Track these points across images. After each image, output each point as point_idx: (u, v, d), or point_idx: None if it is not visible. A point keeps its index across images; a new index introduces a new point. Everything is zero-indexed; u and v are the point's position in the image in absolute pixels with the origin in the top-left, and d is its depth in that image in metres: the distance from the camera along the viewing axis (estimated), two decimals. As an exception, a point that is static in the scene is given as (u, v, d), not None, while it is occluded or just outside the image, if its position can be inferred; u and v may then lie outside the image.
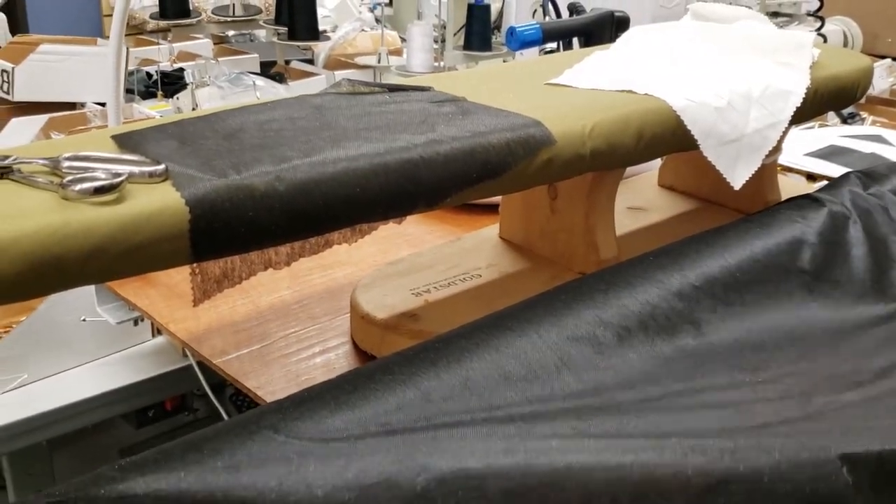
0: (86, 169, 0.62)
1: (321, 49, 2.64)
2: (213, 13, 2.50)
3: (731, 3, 1.63)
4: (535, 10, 2.21)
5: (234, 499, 0.53)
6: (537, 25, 1.44)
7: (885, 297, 0.91)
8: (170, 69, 2.31)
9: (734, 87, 0.97)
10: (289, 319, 0.98)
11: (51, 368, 1.17)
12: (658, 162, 1.29)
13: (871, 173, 1.05)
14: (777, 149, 1.06)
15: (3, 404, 1.11)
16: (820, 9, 2.45)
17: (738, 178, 0.96)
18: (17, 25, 3.56)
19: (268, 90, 2.00)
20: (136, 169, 0.63)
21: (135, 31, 2.86)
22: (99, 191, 0.59)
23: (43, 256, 0.56)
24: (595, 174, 0.93)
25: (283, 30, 2.40)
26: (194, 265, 0.84)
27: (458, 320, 0.77)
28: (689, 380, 0.77)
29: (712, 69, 1.02)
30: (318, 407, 0.63)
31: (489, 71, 1.23)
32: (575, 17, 1.67)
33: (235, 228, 0.63)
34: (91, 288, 1.12)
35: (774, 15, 2.44)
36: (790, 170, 1.61)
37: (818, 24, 2.41)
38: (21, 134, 1.87)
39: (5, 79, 2.01)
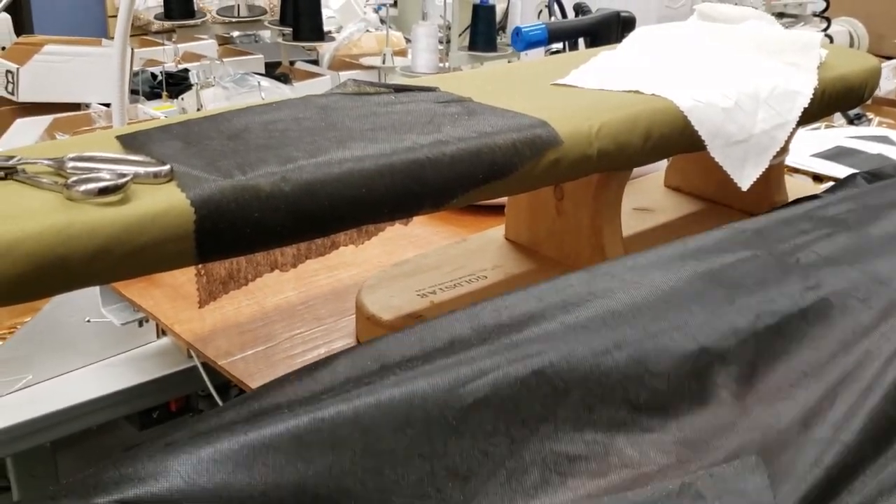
0: (90, 169, 0.62)
1: (326, 50, 2.63)
2: (217, 14, 2.50)
3: (736, 4, 1.62)
4: (541, 11, 2.20)
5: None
6: (543, 26, 1.44)
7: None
8: (174, 70, 2.31)
9: (741, 87, 0.96)
10: (294, 320, 0.97)
11: (55, 369, 1.16)
12: (664, 163, 1.28)
13: (877, 174, 1.04)
14: (784, 149, 1.05)
15: (8, 405, 1.10)
16: (826, 9, 2.44)
17: (745, 179, 0.96)
18: (22, 26, 3.56)
19: (273, 91, 2.00)
20: (140, 169, 0.62)
21: (139, 31, 2.85)
22: (103, 191, 0.59)
23: (47, 257, 0.55)
24: (601, 175, 0.93)
25: (288, 30, 2.39)
26: (200, 266, 0.84)
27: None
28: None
29: (719, 70, 1.01)
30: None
31: (495, 71, 1.22)
32: (581, 17, 1.67)
33: (241, 229, 0.63)
34: (96, 289, 1.12)
35: (780, 16, 2.43)
36: (796, 170, 1.60)
37: (824, 25, 2.40)
38: (26, 134, 1.87)
39: (10, 79, 2.00)
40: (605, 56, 1.09)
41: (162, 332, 1.23)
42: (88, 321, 1.17)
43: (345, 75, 2.38)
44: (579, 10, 1.71)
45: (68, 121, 1.90)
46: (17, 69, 1.99)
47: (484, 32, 2.26)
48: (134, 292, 1.03)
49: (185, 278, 1.03)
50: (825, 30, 2.35)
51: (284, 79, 2.27)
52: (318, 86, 2.30)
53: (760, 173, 0.97)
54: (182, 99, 2.00)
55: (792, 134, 1.01)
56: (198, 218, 0.60)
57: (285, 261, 0.88)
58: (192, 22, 2.35)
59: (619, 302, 0.72)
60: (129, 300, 1.04)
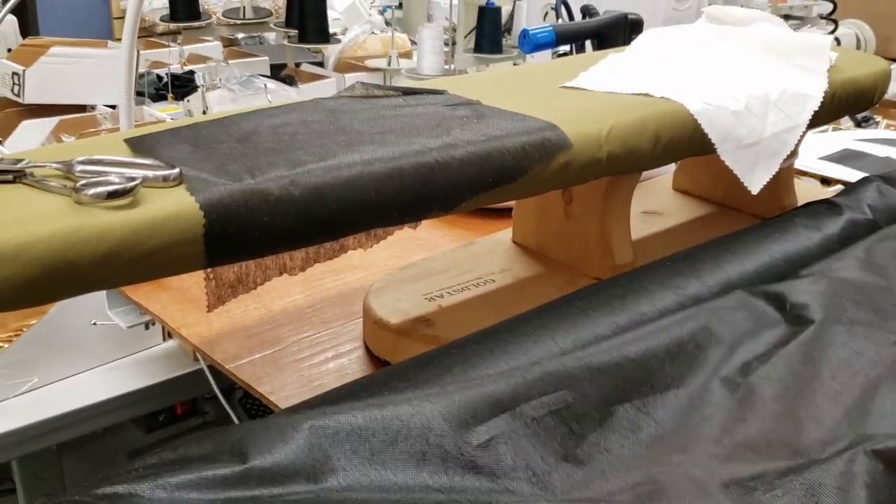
0: (99, 173, 0.61)
1: (331, 52, 2.63)
2: (223, 16, 2.50)
3: (742, 7, 1.62)
4: (546, 13, 2.20)
5: None
6: (550, 28, 1.43)
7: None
8: (180, 72, 2.31)
9: (751, 90, 0.96)
10: (301, 324, 0.97)
11: (61, 372, 1.16)
12: (672, 165, 1.28)
13: (889, 177, 1.04)
14: (794, 153, 1.05)
15: (14, 408, 1.10)
16: (833, 12, 2.43)
17: (755, 182, 0.95)
18: (28, 27, 3.56)
19: (279, 93, 1.99)
20: (149, 173, 0.62)
21: (144, 33, 2.85)
22: (112, 195, 0.58)
23: (57, 261, 0.55)
24: (611, 178, 0.92)
25: (294, 32, 2.39)
26: (208, 270, 0.84)
27: (472, 326, 0.77)
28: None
29: (729, 72, 1.01)
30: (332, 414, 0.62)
31: (503, 74, 1.22)
32: (588, 19, 1.67)
33: (250, 233, 0.62)
34: (102, 292, 1.12)
35: (785, 18, 2.43)
36: (804, 173, 1.60)
37: (831, 28, 2.40)
38: (32, 136, 1.87)
39: (16, 81, 2.00)
40: (614, 58, 1.08)
41: (168, 335, 1.23)
42: (94, 324, 1.17)
43: (350, 77, 2.38)
44: (587, 12, 1.70)
45: (74, 122, 1.90)
46: (24, 71, 1.99)
47: (489, 34, 2.26)
48: (140, 295, 1.03)
49: (191, 281, 1.02)
50: (832, 32, 2.35)
51: (290, 81, 2.26)
52: (324, 88, 2.30)
53: (770, 177, 0.96)
54: (188, 101, 2.00)
55: (801, 137, 1.01)
56: (207, 222, 0.60)
57: (294, 264, 0.88)
58: (197, 24, 2.36)
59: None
60: (135, 303, 1.04)
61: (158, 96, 2.19)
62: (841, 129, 1.97)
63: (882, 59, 1.20)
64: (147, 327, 1.18)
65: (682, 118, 0.89)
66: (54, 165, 0.63)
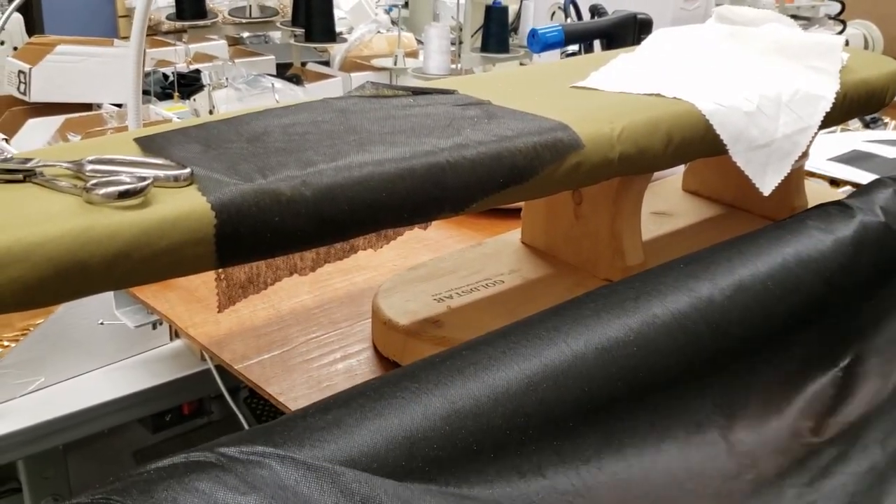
0: (110, 172, 0.61)
1: (337, 51, 2.63)
2: (229, 14, 2.49)
3: (750, 7, 1.61)
4: (553, 12, 2.19)
5: None
6: (559, 27, 1.43)
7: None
8: (186, 70, 2.30)
9: (763, 91, 0.95)
10: (310, 324, 0.97)
11: (68, 372, 1.16)
12: (682, 166, 1.27)
13: (900, 179, 1.03)
14: (805, 154, 1.04)
15: (20, 408, 1.10)
16: (841, 12, 2.43)
17: (767, 184, 0.94)
18: (33, 26, 3.56)
19: (286, 92, 1.99)
20: (160, 173, 0.61)
21: (150, 31, 2.84)
22: (124, 195, 0.58)
23: (67, 261, 0.55)
24: (622, 179, 0.92)
25: (300, 31, 2.39)
26: (219, 271, 0.83)
27: (482, 327, 0.76)
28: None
29: (740, 73, 1.00)
30: (343, 416, 0.62)
31: (513, 73, 1.21)
32: (597, 19, 1.66)
33: (261, 234, 0.62)
34: (109, 291, 1.12)
35: (792, 18, 2.42)
36: (813, 174, 1.59)
37: (839, 28, 2.39)
38: (38, 135, 1.87)
39: (22, 80, 2.00)
40: (624, 58, 1.08)
41: (175, 334, 1.22)
42: (101, 323, 1.16)
43: (356, 77, 2.38)
44: (595, 11, 1.70)
45: (80, 121, 1.90)
46: (30, 69, 1.98)
47: (496, 34, 2.25)
48: (148, 295, 1.02)
49: (199, 281, 1.02)
50: (840, 33, 2.34)
51: (296, 80, 2.26)
52: (330, 87, 2.29)
53: (782, 179, 0.96)
54: (194, 100, 2.00)
55: (812, 138, 1.00)
56: (218, 222, 0.59)
57: (305, 265, 0.87)
58: (203, 22, 2.35)
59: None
60: (143, 303, 1.04)
61: (164, 95, 2.19)
62: (849, 130, 1.96)
63: (893, 59, 1.19)
64: (154, 327, 1.18)
65: (694, 119, 0.89)
66: (64, 165, 0.62)
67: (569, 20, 1.81)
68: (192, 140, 0.70)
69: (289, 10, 2.49)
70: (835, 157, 1.68)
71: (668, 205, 1.20)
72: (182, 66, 2.31)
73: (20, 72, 2.00)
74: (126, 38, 2.47)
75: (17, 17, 2.35)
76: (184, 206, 0.59)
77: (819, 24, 2.50)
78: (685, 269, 0.82)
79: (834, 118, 1.03)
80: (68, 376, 1.16)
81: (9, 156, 0.64)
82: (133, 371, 1.19)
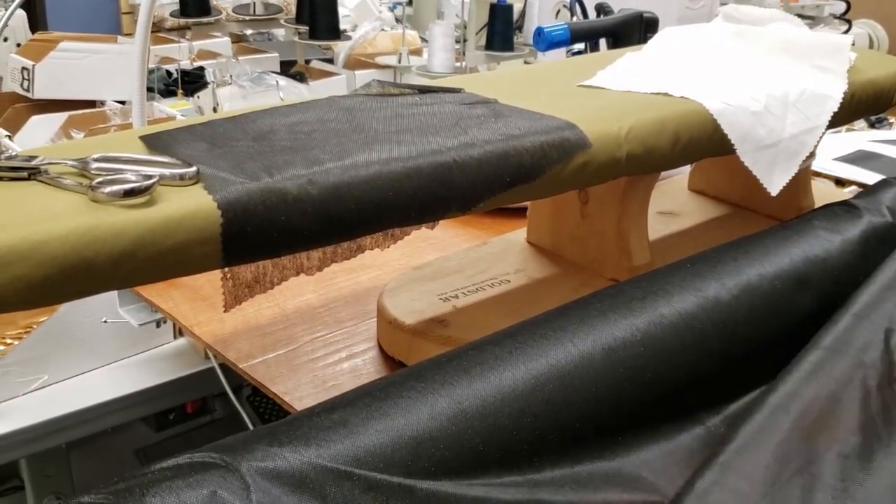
0: (115, 170, 0.61)
1: (341, 49, 2.62)
2: (233, 12, 2.49)
3: (755, 6, 1.60)
4: (558, 11, 2.19)
5: None
6: (565, 26, 1.42)
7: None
8: (190, 68, 2.30)
9: (771, 90, 0.95)
10: (315, 323, 0.96)
11: (71, 370, 1.16)
12: (688, 165, 1.27)
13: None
14: (812, 154, 1.04)
15: (23, 406, 1.10)
16: (847, 11, 2.42)
17: (775, 184, 0.94)
18: (37, 22, 3.56)
19: (290, 90, 1.99)
20: (166, 171, 0.61)
21: (153, 28, 2.85)
22: (129, 193, 0.57)
23: (72, 260, 0.54)
24: (629, 178, 0.91)
25: (304, 29, 2.38)
26: (225, 270, 0.83)
27: (488, 327, 0.76)
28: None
29: (748, 72, 1.00)
30: (349, 416, 0.61)
31: (519, 72, 1.21)
32: (603, 17, 1.65)
33: (268, 233, 0.61)
34: (113, 289, 1.11)
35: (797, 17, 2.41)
36: (818, 174, 1.59)
37: (845, 27, 2.38)
38: (41, 131, 1.87)
39: (26, 76, 2.00)
40: (631, 57, 1.07)
41: (179, 332, 1.22)
42: (105, 322, 1.16)
43: (360, 74, 2.37)
44: (601, 10, 1.69)
45: (84, 118, 1.89)
46: (33, 66, 1.98)
47: (501, 32, 2.25)
48: (152, 293, 1.02)
49: (204, 279, 1.02)
50: (846, 32, 2.33)
51: (300, 77, 2.26)
52: (334, 85, 2.29)
53: (790, 179, 0.95)
54: (198, 97, 1.99)
55: (820, 138, 0.99)
56: (225, 221, 0.59)
57: (311, 264, 0.87)
58: (207, 19, 2.35)
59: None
60: (147, 301, 1.03)
61: (168, 92, 2.18)
62: (855, 129, 1.95)
63: (901, 59, 1.19)
64: (158, 325, 1.17)
65: (702, 118, 0.88)
66: (70, 163, 0.62)
67: (574, 18, 1.81)
68: (197, 138, 0.70)
69: (293, 8, 2.49)
70: (840, 156, 1.68)
71: (674, 204, 1.20)
72: (186, 64, 2.30)
73: (23, 68, 2.00)
74: (129, 34, 2.47)
75: (21, 14, 2.35)
76: (190, 204, 0.59)
77: (824, 23, 2.49)
78: (692, 269, 0.82)
79: (841, 118, 1.03)
80: (71, 374, 1.16)
81: (13, 153, 0.63)
82: (136, 369, 1.19)
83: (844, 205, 0.98)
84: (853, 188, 1.54)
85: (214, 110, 1.94)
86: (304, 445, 0.57)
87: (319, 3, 2.28)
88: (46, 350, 1.13)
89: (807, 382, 0.72)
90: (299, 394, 0.83)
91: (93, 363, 1.17)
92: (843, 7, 2.52)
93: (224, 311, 0.87)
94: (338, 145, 0.70)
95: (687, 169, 1.27)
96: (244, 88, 1.94)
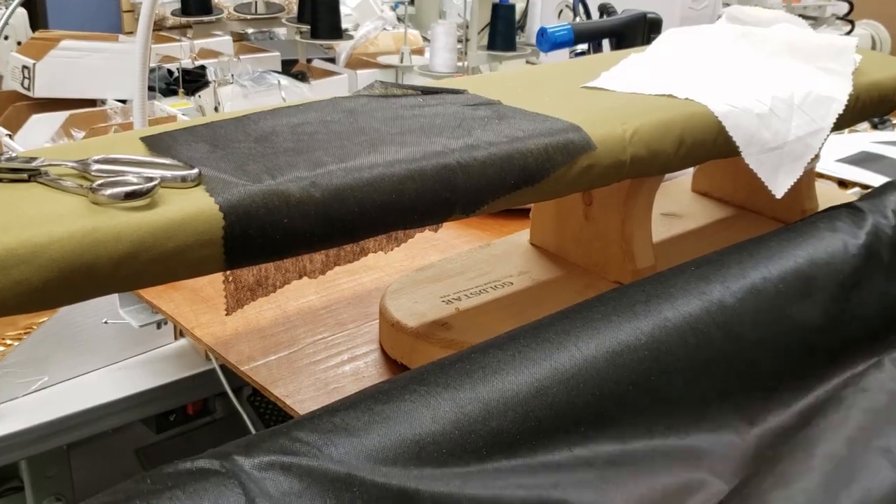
0: (116, 172, 0.60)
1: (342, 48, 2.62)
2: (235, 10, 2.49)
3: (756, 6, 1.60)
4: (561, 11, 2.18)
5: None
6: (568, 26, 1.42)
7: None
8: (191, 66, 2.29)
9: (776, 92, 0.94)
10: (317, 325, 0.96)
11: (71, 371, 1.15)
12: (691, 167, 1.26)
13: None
14: (816, 156, 1.03)
15: (23, 408, 1.09)
16: (850, 12, 2.41)
17: (780, 186, 0.93)
18: (37, 21, 3.55)
19: (291, 89, 1.98)
20: (168, 173, 0.61)
21: (154, 26, 2.84)
22: (130, 196, 0.57)
23: (72, 263, 0.54)
24: (633, 180, 0.91)
25: (306, 28, 2.38)
26: (227, 273, 0.82)
27: (491, 329, 0.75)
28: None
29: (752, 74, 0.99)
30: (351, 419, 0.61)
31: (523, 73, 1.20)
32: (606, 18, 1.65)
33: (270, 235, 0.61)
34: (113, 290, 1.11)
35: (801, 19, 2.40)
36: (821, 175, 1.58)
37: (847, 28, 2.38)
38: (42, 130, 1.86)
39: (26, 75, 1.99)
40: (635, 58, 1.06)
41: (180, 333, 1.21)
42: (105, 322, 1.15)
43: (362, 74, 2.37)
44: (604, 10, 1.68)
45: (84, 117, 1.89)
46: (34, 64, 1.98)
47: (503, 32, 2.25)
48: (153, 294, 1.01)
49: (205, 281, 1.01)
50: (849, 33, 2.33)
51: (302, 77, 2.25)
52: (336, 84, 2.29)
53: (795, 181, 0.94)
54: (199, 96, 1.99)
55: (824, 141, 0.99)
56: (227, 223, 0.58)
57: (314, 267, 0.86)
58: (209, 18, 2.35)
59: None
60: (148, 302, 1.03)
61: (169, 91, 2.18)
62: (857, 131, 1.95)
63: (905, 61, 1.18)
64: (159, 326, 1.17)
65: (707, 120, 0.88)
66: (70, 164, 0.61)
67: (577, 19, 1.80)
68: (199, 139, 0.69)
69: (294, 7, 2.49)
70: (843, 158, 1.67)
71: (677, 206, 1.19)
72: (187, 63, 2.30)
73: (24, 67, 1.99)
74: (130, 33, 2.47)
75: (21, 12, 2.35)
76: (191, 207, 0.58)
77: (827, 24, 2.48)
78: (696, 273, 0.81)
79: (846, 120, 1.02)
80: (72, 375, 1.15)
81: (14, 154, 0.63)
82: (137, 371, 1.18)
83: (849, 207, 0.97)
84: (856, 190, 1.54)
85: (216, 109, 1.94)
86: (305, 450, 0.57)
87: (321, 2, 2.28)
88: (47, 351, 1.12)
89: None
90: (301, 396, 0.82)
91: (93, 364, 1.17)
92: (845, 8, 2.51)
93: (226, 315, 0.86)
94: (340, 147, 0.70)
95: (690, 170, 1.27)
96: (245, 88, 1.93)
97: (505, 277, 0.98)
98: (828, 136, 0.99)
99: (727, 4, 2.00)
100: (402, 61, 2.43)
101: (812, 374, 0.83)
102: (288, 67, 2.50)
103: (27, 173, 0.61)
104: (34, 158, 0.62)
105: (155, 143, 0.68)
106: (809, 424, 0.74)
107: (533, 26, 2.34)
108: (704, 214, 1.18)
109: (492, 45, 2.28)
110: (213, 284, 0.99)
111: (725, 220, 1.17)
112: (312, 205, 0.63)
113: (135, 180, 0.58)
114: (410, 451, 0.60)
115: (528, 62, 2.35)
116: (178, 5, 2.48)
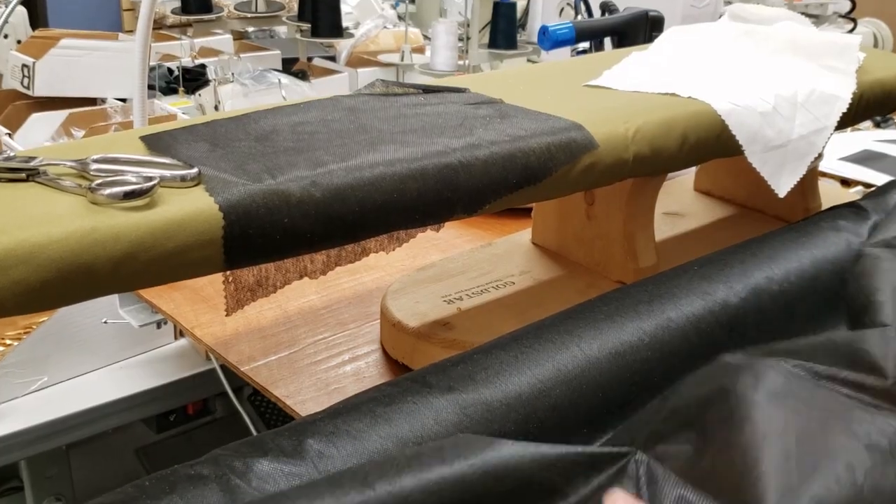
0: (115, 172, 0.60)
1: (343, 46, 2.61)
2: (235, 9, 2.48)
3: (759, 3, 1.59)
4: (562, 9, 2.17)
5: None
6: (570, 25, 1.41)
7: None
8: (191, 65, 2.29)
9: (779, 90, 0.94)
10: (317, 325, 0.95)
11: (71, 371, 1.15)
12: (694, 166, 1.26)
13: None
14: (819, 155, 1.03)
15: (23, 408, 1.09)
16: (852, 10, 2.41)
17: (783, 185, 0.93)
18: (37, 19, 3.55)
19: (292, 88, 1.97)
20: (167, 172, 0.60)
21: (154, 25, 2.84)
22: (129, 195, 0.56)
23: (71, 263, 0.53)
24: (635, 179, 0.90)
25: (306, 26, 2.38)
26: (227, 273, 0.82)
27: (493, 329, 0.75)
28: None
29: (756, 72, 0.99)
30: (353, 421, 0.61)
31: (524, 71, 1.20)
32: (608, 16, 1.64)
33: (270, 235, 0.60)
34: (113, 289, 1.10)
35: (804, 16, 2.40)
36: (824, 174, 1.58)
37: (850, 26, 2.37)
38: (41, 129, 1.86)
39: (26, 73, 1.99)
40: (638, 57, 1.06)
41: (180, 332, 1.21)
42: (105, 322, 1.15)
43: (362, 72, 2.36)
44: (606, 8, 1.68)
45: (84, 116, 1.88)
46: (34, 63, 1.97)
47: (504, 30, 2.24)
48: (153, 294, 1.01)
49: (205, 281, 1.01)
50: (851, 31, 2.32)
51: (303, 75, 2.25)
52: (337, 83, 2.28)
53: (798, 180, 0.94)
54: (199, 95, 1.98)
55: (828, 139, 0.98)
56: (227, 223, 0.58)
57: (315, 268, 0.86)
58: (209, 17, 2.34)
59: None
60: (148, 302, 1.02)
61: (169, 90, 2.17)
62: (859, 129, 1.94)
63: (909, 59, 1.18)
64: (159, 326, 1.16)
65: (710, 119, 0.87)
66: (69, 164, 0.61)
67: (578, 17, 1.80)
68: (199, 138, 0.69)
69: (295, 5, 2.48)
70: (846, 156, 1.67)
71: (680, 205, 1.19)
72: (187, 61, 2.29)
73: (24, 65, 1.99)
74: (130, 32, 2.46)
75: (21, 11, 2.34)
76: (191, 206, 0.58)
77: (828, 21, 2.48)
78: (699, 272, 0.81)
79: (849, 119, 1.02)
80: (71, 375, 1.15)
81: (12, 154, 0.62)
82: (137, 370, 1.18)
83: (852, 206, 0.97)
84: (859, 188, 1.54)
85: (216, 108, 1.93)
86: (307, 455, 0.56)
87: (322, 0, 2.27)
88: (46, 351, 1.12)
89: None
90: (301, 397, 0.82)
91: (93, 364, 1.16)
92: (847, 6, 2.50)
93: (226, 315, 0.86)
94: (341, 146, 0.69)
95: (693, 169, 1.26)
96: (246, 86, 1.93)
97: (507, 277, 0.98)
98: (831, 134, 0.98)
99: (729, 2, 2.00)
100: (402, 60, 2.43)
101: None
102: (288, 66, 2.49)
103: (26, 173, 0.60)
104: (32, 158, 0.62)
105: (154, 143, 0.68)
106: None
107: (534, 24, 2.33)
108: (707, 213, 1.17)
109: (493, 44, 2.28)
110: (213, 284, 0.99)
111: (728, 220, 1.16)
112: (313, 204, 0.62)
113: (134, 180, 0.57)
114: (412, 453, 0.59)
115: (529, 61, 2.34)
116: (178, 4, 2.48)
